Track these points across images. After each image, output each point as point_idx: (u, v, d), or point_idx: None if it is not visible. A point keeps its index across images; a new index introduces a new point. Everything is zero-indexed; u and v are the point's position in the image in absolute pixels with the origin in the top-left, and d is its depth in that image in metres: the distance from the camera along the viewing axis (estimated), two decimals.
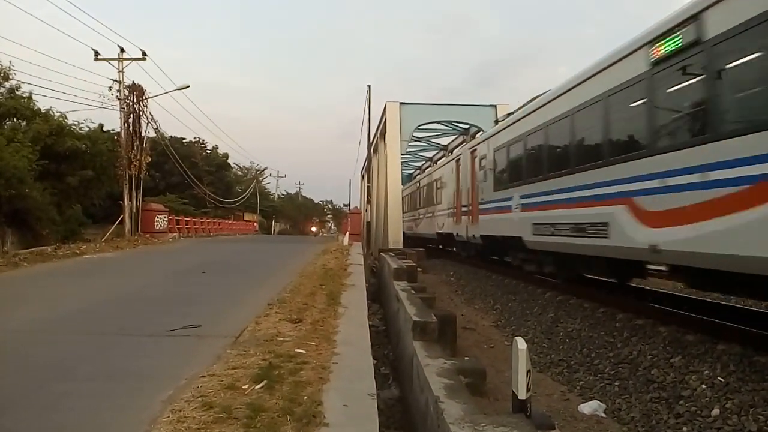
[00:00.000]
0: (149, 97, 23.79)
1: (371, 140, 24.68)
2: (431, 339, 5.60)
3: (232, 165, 55.69)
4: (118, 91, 22.58)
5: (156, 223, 24.64)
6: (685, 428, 4.73)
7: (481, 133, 18.46)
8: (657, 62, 6.56)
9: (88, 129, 22.10)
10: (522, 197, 11.34)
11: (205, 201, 37.87)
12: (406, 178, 31.01)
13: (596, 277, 10.49)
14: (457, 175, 18.14)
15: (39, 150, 17.90)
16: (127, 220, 22.46)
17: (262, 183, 65.59)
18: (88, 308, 7.41)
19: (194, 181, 33.69)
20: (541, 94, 11.04)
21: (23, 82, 20.04)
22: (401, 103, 20.47)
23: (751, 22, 5.07)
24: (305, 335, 5.45)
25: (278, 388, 3.76)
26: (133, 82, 23.17)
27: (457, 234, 17.87)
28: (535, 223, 10.53)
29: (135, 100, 23.15)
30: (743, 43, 5.25)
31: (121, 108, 22.71)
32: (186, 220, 31.24)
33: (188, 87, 25.27)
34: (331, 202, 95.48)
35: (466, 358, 6.12)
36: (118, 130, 23.40)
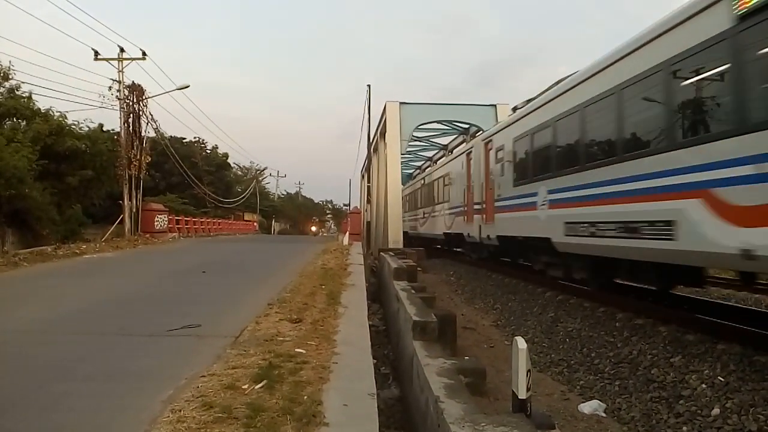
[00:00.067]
0: (149, 97, 23.85)
1: (371, 140, 24.68)
2: (431, 339, 5.59)
3: (232, 165, 55.86)
4: (118, 90, 22.59)
5: (156, 223, 24.62)
6: (685, 428, 4.73)
7: (495, 124, 16.47)
8: (744, 16, 5.23)
9: (88, 129, 22.15)
10: (550, 192, 9.87)
11: (205, 201, 37.88)
12: (406, 178, 30.99)
13: (634, 285, 9.14)
14: (468, 170, 16.39)
15: (39, 150, 17.90)
16: (127, 220, 22.46)
17: (262, 183, 65.73)
18: (87, 308, 7.41)
19: (194, 181, 33.70)
20: (571, 74, 9.61)
21: (23, 82, 20.07)
22: (401, 103, 20.43)
23: None
24: (305, 335, 5.45)
25: (278, 387, 3.76)
26: (133, 81, 23.22)
27: (468, 234, 16.16)
28: (568, 222, 9.06)
29: (135, 100, 23.16)
30: None
31: (120, 108, 22.72)
32: (186, 220, 31.20)
33: (188, 87, 25.33)
34: (331, 201, 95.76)
35: (466, 357, 6.12)
36: (118, 129, 23.41)
